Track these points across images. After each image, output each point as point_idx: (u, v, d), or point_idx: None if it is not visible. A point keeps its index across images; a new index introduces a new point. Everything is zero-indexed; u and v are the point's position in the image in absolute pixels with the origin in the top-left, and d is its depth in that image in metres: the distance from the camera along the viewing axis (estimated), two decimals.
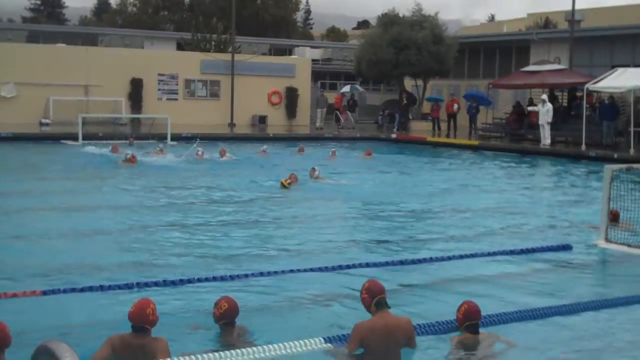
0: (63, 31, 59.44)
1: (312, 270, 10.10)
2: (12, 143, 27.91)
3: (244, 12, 69.35)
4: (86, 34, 57.63)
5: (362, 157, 27.14)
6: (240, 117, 39.48)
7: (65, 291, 8.74)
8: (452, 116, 37.07)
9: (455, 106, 37.05)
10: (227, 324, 6.95)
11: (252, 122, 41.37)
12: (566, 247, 11.98)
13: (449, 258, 11.05)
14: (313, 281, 9.68)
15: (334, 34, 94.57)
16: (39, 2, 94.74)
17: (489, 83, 37.25)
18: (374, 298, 6.42)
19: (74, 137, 28.94)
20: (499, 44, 45.89)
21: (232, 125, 38.19)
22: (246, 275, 9.72)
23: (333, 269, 10.19)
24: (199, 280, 9.49)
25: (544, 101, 30.75)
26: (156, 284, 9.19)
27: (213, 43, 49.09)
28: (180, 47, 52.73)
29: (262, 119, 41.38)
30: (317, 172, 19.80)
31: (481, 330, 7.19)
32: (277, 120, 42.01)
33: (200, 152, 25.01)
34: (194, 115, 38.99)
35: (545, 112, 30.35)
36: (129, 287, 9.02)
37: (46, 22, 79.82)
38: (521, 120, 34.42)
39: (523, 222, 14.72)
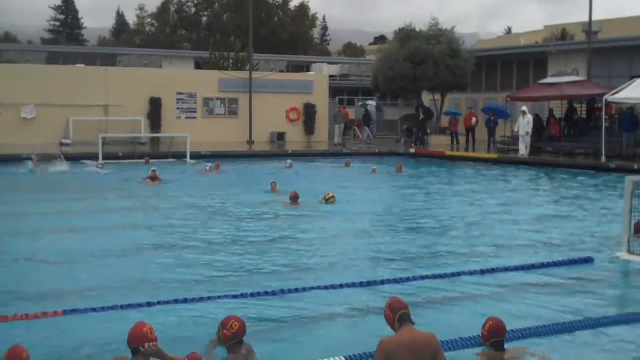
0: (82, 52, 59.90)
1: (332, 287, 10.07)
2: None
3: (262, 30, 69.74)
4: (105, 55, 58.10)
5: (394, 172, 27.34)
6: (258, 134, 39.60)
7: (85, 311, 8.75)
8: (471, 130, 37.00)
9: (474, 120, 36.99)
10: (237, 343, 6.93)
11: (270, 139, 41.46)
12: (588, 260, 11.90)
13: (470, 273, 11.01)
14: (334, 298, 9.66)
15: (351, 50, 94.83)
16: (58, 24, 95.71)
17: (507, 96, 37.17)
18: (397, 313, 6.38)
19: (95, 157, 29.11)
20: (516, 56, 45.82)
21: (251, 142, 38.30)
22: (266, 293, 9.71)
23: (354, 285, 10.16)
24: (214, 298, 9.50)
25: (524, 113, 31.92)
26: (170, 302, 9.22)
27: (231, 61, 49.30)
28: (199, 66, 53.01)
29: (281, 136, 41.45)
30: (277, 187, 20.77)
31: (507, 345, 7.14)
32: (295, 137, 42.08)
33: (208, 168, 26.00)
34: (213, 134, 39.12)
35: (525, 123, 31.70)
36: (149, 305, 9.05)
37: (65, 44, 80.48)
38: (540, 133, 34.31)
39: (544, 235, 14.63)
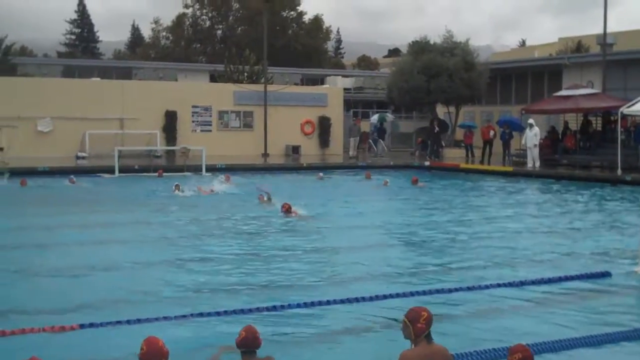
0: (98, 65, 60.32)
1: (348, 301, 10.06)
2: (49, 177, 28.14)
3: (276, 43, 69.93)
4: (121, 68, 58.44)
5: (410, 184, 27.39)
6: (273, 147, 39.73)
7: (102, 325, 8.78)
8: (488, 142, 36.99)
9: (492, 132, 36.97)
10: (246, 352, 6.95)
11: (285, 152, 41.55)
12: (605, 274, 11.84)
13: (486, 287, 11.00)
14: (350, 312, 9.66)
15: (365, 63, 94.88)
16: (73, 37, 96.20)
17: (522, 109, 37.13)
18: (428, 329, 6.34)
19: (111, 170, 29.25)
20: (530, 69, 45.78)
21: (265, 155, 38.40)
22: (282, 307, 9.72)
23: (370, 299, 10.16)
24: (234, 312, 9.47)
25: (531, 125, 31.97)
26: (185, 316, 9.23)
27: (245, 74, 49.47)
28: (213, 79, 53.21)
29: (296, 149, 41.53)
30: (265, 198, 21.10)
31: None
32: (310, 150, 42.16)
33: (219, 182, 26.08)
34: (227, 146, 39.25)
35: (532, 135, 31.68)
36: (166, 319, 9.05)
37: (81, 57, 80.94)
38: (555, 146, 34.27)
39: (561, 249, 14.57)
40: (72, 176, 26.35)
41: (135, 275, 12.12)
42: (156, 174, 29.29)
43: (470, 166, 35.19)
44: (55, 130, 36.79)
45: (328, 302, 10.00)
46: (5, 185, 25.43)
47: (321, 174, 29.82)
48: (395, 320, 8.43)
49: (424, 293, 10.51)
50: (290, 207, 18.70)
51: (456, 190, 26.99)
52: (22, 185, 25.24)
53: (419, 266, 12.91)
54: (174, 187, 23.60)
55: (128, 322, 8.91)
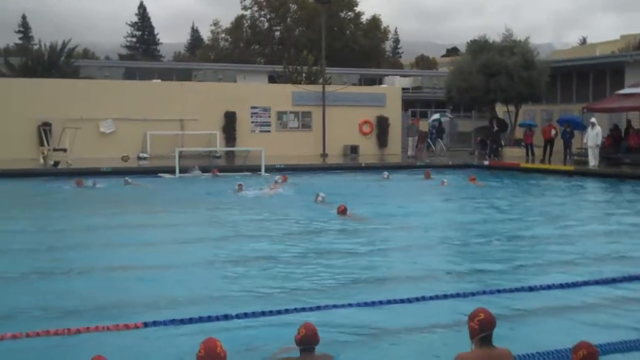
0: (158, 67, 61.04)
1: (408, 300, 10.03)
2: (111, 177, 28.49)
3: (334, 44, 70.00)
4: (180, 70, 59.09)
5: (468, 183, 27.24)
6: (331, 147, 39.80)
7: (164, 323, 8.86)
8: (549, 141, 36.54)
9: (553, 132, 36.55)
10: (305, 349, 6.99)
11: (343, 152, 41.60)
12: None
13: (548, 287, 10.89)
14: (409, 311, 9.66)
15: (423, 62, 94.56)
16: (134, 40, 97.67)
17: (583, 107, 36.62)
18: (484, 332, 6.32)
19: (171, 171, 29.63)
20: (592, 67, 45.02)
21: (324, 155, 38.50)
22: (342, 306, 9.74)
23: (431, 299, 10.14)
24: (295, 310, 9.51)
25: (592, 124, 31.60)
26: (251, 314, 9.30)
27: (304, 75, 49.64)
28: (272, 79, 53.50)
29: (354, 149, 41.55)
30: (320, 197, 21.06)
31: None
32: (368, 150, 42.16)
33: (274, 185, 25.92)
34: (286, 147, 39.44)
35: (594, 135, 31.31)
36: (227, 318, 9.12)
37: (142, 59, 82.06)
38: (618, 144, 33.72)
39: (625, 249, 14.38)
40: (127, 177, 26.68)
41: (195, 274, 12.24)
42: (211, 173, 29.66)
43: (530, 165, 34.76)
44: (117, 131, 37.38)
45: (389, 302, 9.97)
46: (62, 187, 25.70)
47: (386, 173, 29.70)
48: (461, 319, 8.39)
49: (484, 293, 10.46)
50: (345, 208, 18.69)
51: (516, 189, 26.75)
52: (79, 185, 25.62)
53: (479, 266, 12.84)
54: (236, 187, 23.83)
55: (191, 320, 8.98)
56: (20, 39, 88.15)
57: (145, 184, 26.41)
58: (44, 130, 33.59)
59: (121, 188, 25.39)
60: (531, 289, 10.78)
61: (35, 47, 51.16)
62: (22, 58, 46.98)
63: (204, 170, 30.27)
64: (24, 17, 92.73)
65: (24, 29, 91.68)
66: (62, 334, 8.38)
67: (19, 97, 35.78)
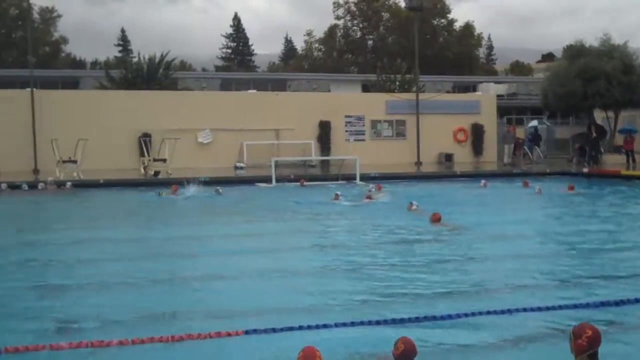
0: (253, 78, 61.89)
1: (509, 311, 9.86)
2: (208, 187, 28.96)
3: (427, 51, 69.76)
4: (275, 80, 59.84)
5: (565, 191, 26.78)
6: (426, 155, 39.70)
7: (265, 331, 8.91)
8: None
9: None
10: None
11: (438, 160, 41.41)
12: None
13: None
14: (508, 323, 9.52)
15: (518, 68, 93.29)
16: (229, 51, 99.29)
17: None
18: (592, 349, 6.21)
19: (267, 180, 30.02)
20: None
21: (418, 164, 38.40)
22: (442, 317, 9.60)
23: (532, 310, 9.96)
24: (393, 321, 9.45)
25: None
26: (360, 323, 9.30)
27: (397, 83, 49.61)
28: (365, 88, 53.66)
29: (448, 157, 41.33)
30: (414, 206, 20.88)
31: None
32: (463, 158, 41.88)
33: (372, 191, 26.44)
34: (380, 155, 39.51)
35: None
36: (325, 327, 9.12)
37: (237, 70, 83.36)
38: None
39: None
40: (218, 187, 27.11)
41: (292, 282, 12.32)
42: (299, 183, 30.02)
43: (631, 172, 33.86)
44: (215, 141, 38.06)
45: (488, 313, 9.84)
46: (166, 197, 26.27)
47: (483, 181, 29.45)
48: (562, 331, 8.30)
49: (587, 306, 10.21)
50: (440, 217, 18.63)
51: (617, 197, 26.10)
52: (174, 191, 26.08)
53: (578, 277, 12.55)
54: (333, 196, 24.02)
55: (290, 328, 9.01)
56: (119, 52, 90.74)
57: (234, 193, 26.83)
58: (144, 141, 34.51)
59: (214, 197, 25.85)
60: (637, 300, 10.51)
61: (135, 59, 52.50)
62: (122, 71, 48.32)
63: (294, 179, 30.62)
64: (123, 31, 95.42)
65: (123, 42, 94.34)
66: (165, 341, 8.55)
67: (119, 109, 36.83)
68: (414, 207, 21.00)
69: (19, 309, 10.37)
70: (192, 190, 26.32)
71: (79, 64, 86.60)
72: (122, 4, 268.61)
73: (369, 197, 24.65)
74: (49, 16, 79.64)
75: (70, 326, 9.48)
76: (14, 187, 27.69)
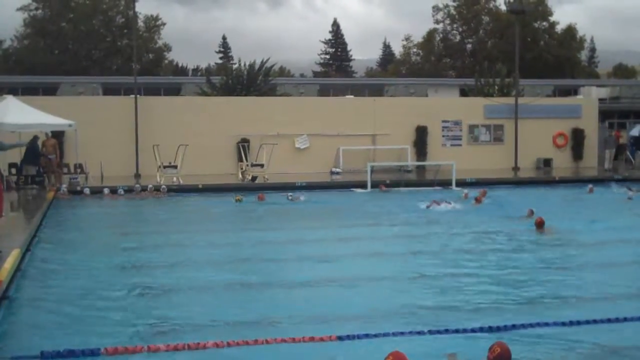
0: (351, 83, 62.18)
1: (617, 320, 9.72)
2: (306, 192, 29.17)
3: (527, 54, 68.75)
4: (372, 85, 60.01)
5: None
6: (524, 160, 39.16)
7: (359, 337, 8.96)
8: None
9: None
10: None
11: (536, 165, 40.77)
12: None
13: None
14: (610, 332, 9.40)
15: (622, 71, 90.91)
16: (328, 57, 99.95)
17: None
18: None
19: (363, 185, 30.14)
20: None
21: (516, 169, 37.91)
22: (538, 324, 9.51)
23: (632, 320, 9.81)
24: (490, 328, 9.43)
25: None
26: (445, 331, 9.34)
27: (496, 87, 49.09)
28: (463, 93, 53.26)
29: (547, 162, 40.62)
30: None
31: None
32: (562, 163, 41.09)
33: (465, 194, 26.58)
34: (477, 161, 39.11)
35: None
36: (419, 333, 9.16)
37: (335, 76, 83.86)
38: None
39: None
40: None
41: (384, 288, 12.39)
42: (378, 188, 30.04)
43: None
44: (312, 146, 38.36)
45: (587, 322, 9.67)
46: (248, 203, 26.43)
47: (590, 186, 28.95)
48: None
49: None
50: (543, 222, 18.39)
51: None
52: (260, 200, 26.47)
53: None
54: (430, 203, 23.94)
55: (385, 335, 9.02)
56: (220, 58, 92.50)
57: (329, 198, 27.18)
58: (243, 146, 35.06)
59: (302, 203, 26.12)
60: None
61: (235, 66, 53.39)
62: (222, 77, 49.16)
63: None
64: (224, 38, 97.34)
65: (224, 49, 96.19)
66: (261, 343, 8.68)
67: (220, 114, 37.50)
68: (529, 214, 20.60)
69: (117, 310, 10.74)
70: (302, 198, 26.82)
71: (182, 71, 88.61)
72: (224, 12, 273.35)
73: (477, 200, 24.75)
74: (153, 24, 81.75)
75: (167, 328, 9.77)
76: (114, 191, 28.48)
